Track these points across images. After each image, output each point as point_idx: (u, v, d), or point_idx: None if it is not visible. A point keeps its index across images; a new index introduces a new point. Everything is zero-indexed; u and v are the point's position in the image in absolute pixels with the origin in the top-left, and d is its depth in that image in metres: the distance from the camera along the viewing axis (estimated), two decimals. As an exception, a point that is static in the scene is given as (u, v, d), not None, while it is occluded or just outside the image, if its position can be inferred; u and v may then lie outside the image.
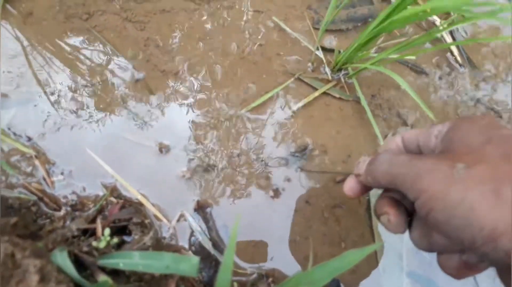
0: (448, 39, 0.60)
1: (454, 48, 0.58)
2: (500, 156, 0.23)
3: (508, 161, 0.23)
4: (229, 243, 0.25)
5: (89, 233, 0.39)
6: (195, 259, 0.31)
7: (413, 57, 0.56)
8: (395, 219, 0.31)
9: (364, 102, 0.50)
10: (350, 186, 0.36)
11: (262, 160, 0.47)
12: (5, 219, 0.32)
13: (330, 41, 0.55)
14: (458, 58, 0.58)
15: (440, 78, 0.57)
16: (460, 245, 0.25)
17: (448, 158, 0.25)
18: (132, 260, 0.31)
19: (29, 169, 0.42)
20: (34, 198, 0.41)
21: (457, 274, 0.30)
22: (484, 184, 0.22)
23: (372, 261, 0.46)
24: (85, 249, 0.34)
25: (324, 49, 0.54)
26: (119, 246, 0.38)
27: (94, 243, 0.35)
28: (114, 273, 0.35)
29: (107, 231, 0.36)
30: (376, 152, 0.37)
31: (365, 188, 0.36)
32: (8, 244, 0.27)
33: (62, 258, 0.29)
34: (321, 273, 0.28)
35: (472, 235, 0.22)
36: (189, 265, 0.30)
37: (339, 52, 0.50)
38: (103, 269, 0.33)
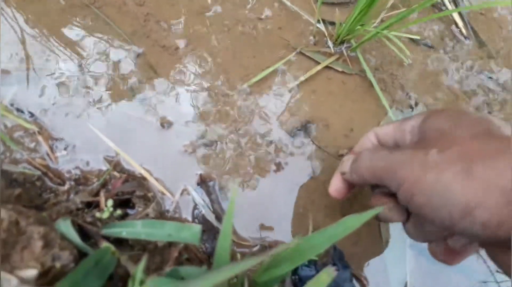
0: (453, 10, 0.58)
1: (458, 20, 0.57)
2: (469, 137, 0.25)
3: (477, 140, 0.25)
4: (228, 208, 0.25)
5: (92, 206, 0.39)
6: (197, 227, 0.31)
7: (415, 29, 0.55)
8: (395, 205, 0.32)
9: (369, 74, 0.49)
10: (335, 187, 0.38)
11: (264, 135, 0.47)
12: (10, 190, 0.33)
13: (332, 14, 0.54)
14: (463, 30, 0.57)
15: (445, 51, 0.56)
16: (443, 226, 0.26)
17: (423, 147, 0.27)
18: (134, 229, 0.31)
19: (32, 145, 0.43)
20: (38, 173, 0.42)
21: (447, 259, 0.33)
22: (456, 165, 0.24)
23: (375, 233, 0.46)
24: (88, 219, 0.35)
25: (325, 22, 0.53)
26: (123, 218, 0.39)
27: (98, 214, 0.35)
28: (118, 243, 0.35)
29: (110, 202, 0.36)
30: (358, 151, 0.38)
31: (350, 187, 0.38)
32: (12, 212, 0.27)
33: (65, 226, 0.29)
34: (320, 239, 0.28)
35: (450, 212, 0.24)
36: (191, 233, 0.31)
37: (340, 24, 0.49)
38: (106, 239, 0.33)
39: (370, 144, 0.36)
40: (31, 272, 0.24)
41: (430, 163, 0.25)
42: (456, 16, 0.57)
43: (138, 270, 0.22)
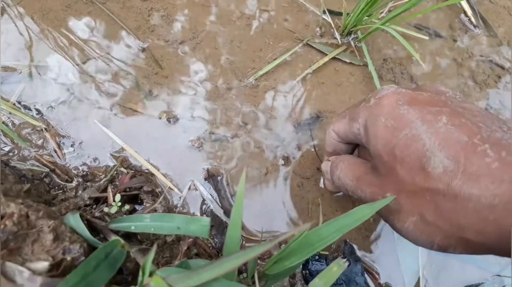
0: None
1: (467, 8, 0.56)
2: (410, 177, 0.26)
3: (419, 180, 0.25)
4: (237, 197, 0.25)
5: (100, 202, 0.39)
6: (206, 220, 0.30)
7: (423, 18, 0.54)
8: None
9: (371, 67, 0.48)
10: (326, 183, 0.41)
11: (271, 128, 0.47)
12: (19, 185, 0.33)
13: (339, 5, 0.54)
14: (472, 19, 0.56)
15: (454, 40, 0.55)
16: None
17: (379, 186, 0.29)
18: (143, 222, 0.31)
19: (40, 142, 0.43)
20: (46, 170, 0.42)
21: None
22: (413, 215, 0.27)
23: (386, 227, 0.45)
24: (97, 215, 0.35)
25: (332, 13, 0.52)
26: (131, 213, 0.39)
27: (106, 209, 0.35)
28: (127, 238, 0.35)
29: (118, 197, 0.36)
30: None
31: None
32: (22, 206, 0.27)
33: (75, 220, 0.29)
34: (330, 230, 0.28)
35: (423, 245, 0.28)
36: (200, 225, 0.30)
37: (347, 15, 0.49)
38: (115, 234, 0.33)
39: (334, 142, 0.37)
40: (42, 265, 0.24)
41: (393, 210, 0.28)
42: (464, 5, 0.56)
43: (148, 260, 0.22)
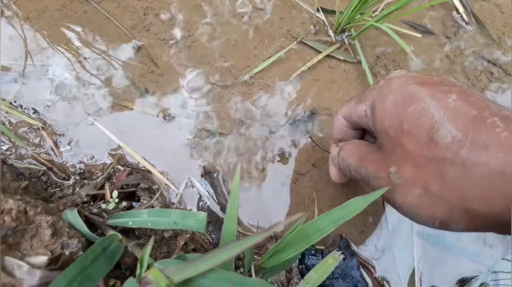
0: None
1: (459, 6, 0.56)
2: (417, 148, 0.26)
3: (426, 150, 0.25)
4: (232, 190, 0.25)
5: (98, 199, 0.39)
6: (203, 215, 0.31)
7: (416, 16, 0.55)
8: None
9: (365, 64, 0.49)
10: (332, 172, 0.40)
11: (267, 125, 0.47)
12: (16, 183, 0.33)
13: (333, 3, 0.54)
14: (464, 16, 0.56)
15: (446, 37, 0.55)
16: None
17: (382, 161, 0.29)
18: (140, 218, 0.31)
19: (37, 140, 0.43)
20: (44, 168, 0.42)
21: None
22: (417, 187, 0.26)
23: (381, 222, 0.46)
24: (94, 211, 0.35)
25: (325, 11, 0.53)
26: (128, 210, 0.39)
27: (103, 205, 0.35)
28: (125, 234, 0.35)
29: (115, 193, 0.36)
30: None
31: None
32: (20, 202, 0.27)
33: (73, 216, 0.29)
34: (326, 222, 0.28)
35: (424, 222, 0.27)
36: (197, 220, 0.31)
37: (341, 13, 0.49)
38: (113, 229, 0.33)
39: (343, 128, 0.37)
40: (41, 259, 0.24)
41: (395, 184, 0.28)
42: (456, 2, 0.57)
43: (145, 252, 0.22)
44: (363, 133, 0.38)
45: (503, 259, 0.47)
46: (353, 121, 0.34)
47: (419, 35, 0.52)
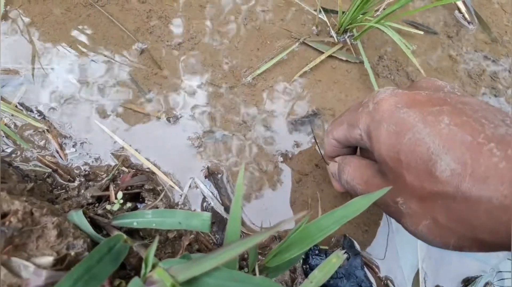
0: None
1: (461, 5, 0.56)
2: (418, 182, 0.26)
3: (428, 184, 0.25)
4: (236, 189, 0.25)
5: (103, 200, 0.40)
6: (207, 215, 0.31)
7: (418, 15, 0.55)
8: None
9: (367, 64, 0.49)
10: (334, 184, 0.41)
11: (270, 126, 0.47)
12: (22, 184, 0.33)
13: (335, 3, 0.54)
14: (466, 15, 0.56)
15: (449, 36, 0.55)
16: None
17: (384, 176, 0.30)
18: (145, 218, 0.32)
19: (42, 143, 0.43)
20: (49, 170, 0.42)
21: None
22: (426, 219, 0.27)
23: (385, 221, 0.46)
24: (99, 212, 0.35)
25: (327, 12, 0.53)
26: (133, 211, 0.39)
27: (108, 207, 0.36)
28: (129, 235, 0.36)
29: (120, 194, 0.36)
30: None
31: None
32: (26, 204, 0.28)
33: (78, 217, 0.30)
34: (329, 221, 0.28)
35: (438, 247, 0.28)
36: (201, 220, 0.31)
37: (343, 13, 0.49)
38: (118, 230, 0.34)
39: (335, 149, 0.37)
40: (47, 259, 0.24)
41: (404, 213, 0.29)
42: (458, 1, 0.57)
43: (150, 251, 0.22)
44: (356, 146, 0.38)
45: (508, 259, 0.47)
46: (348, 143, 0.34)
47: (421, 33, 0.52)
